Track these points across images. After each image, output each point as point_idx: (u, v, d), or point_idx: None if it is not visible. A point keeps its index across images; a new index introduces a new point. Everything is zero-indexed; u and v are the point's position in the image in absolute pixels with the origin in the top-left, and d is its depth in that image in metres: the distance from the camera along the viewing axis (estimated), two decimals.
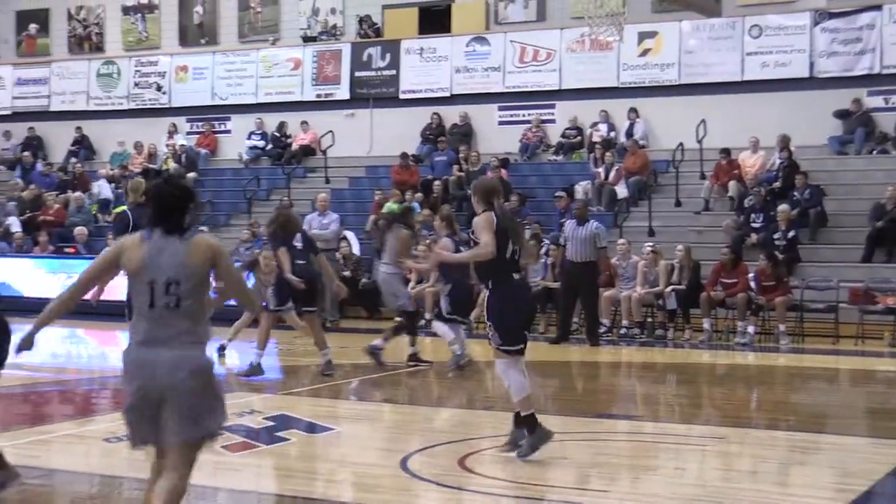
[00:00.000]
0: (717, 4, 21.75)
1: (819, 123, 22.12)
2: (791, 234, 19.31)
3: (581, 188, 22.74)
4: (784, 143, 21.39)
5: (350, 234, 22.16)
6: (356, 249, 21.76)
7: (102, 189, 26.35)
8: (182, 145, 27.57)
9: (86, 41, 30.64)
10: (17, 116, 30.26)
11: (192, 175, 26.83)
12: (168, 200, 5.49)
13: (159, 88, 28.83)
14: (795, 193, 20.46)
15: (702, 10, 21.77)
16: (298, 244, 13.52)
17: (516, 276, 8.47)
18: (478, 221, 8.31)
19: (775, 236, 19.28)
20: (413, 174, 24.06)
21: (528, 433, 8.26)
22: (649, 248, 18.65)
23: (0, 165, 29.60)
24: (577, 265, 17.23)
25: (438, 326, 13.84)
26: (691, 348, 17.34)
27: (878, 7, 22.20)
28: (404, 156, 24.21)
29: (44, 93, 30.14)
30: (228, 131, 28.31)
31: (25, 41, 31.33)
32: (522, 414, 8.28)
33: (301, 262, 13.35)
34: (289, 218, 13.83)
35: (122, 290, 9.33)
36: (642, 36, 23.87)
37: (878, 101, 22.23)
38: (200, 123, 28.38)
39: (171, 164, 26.88)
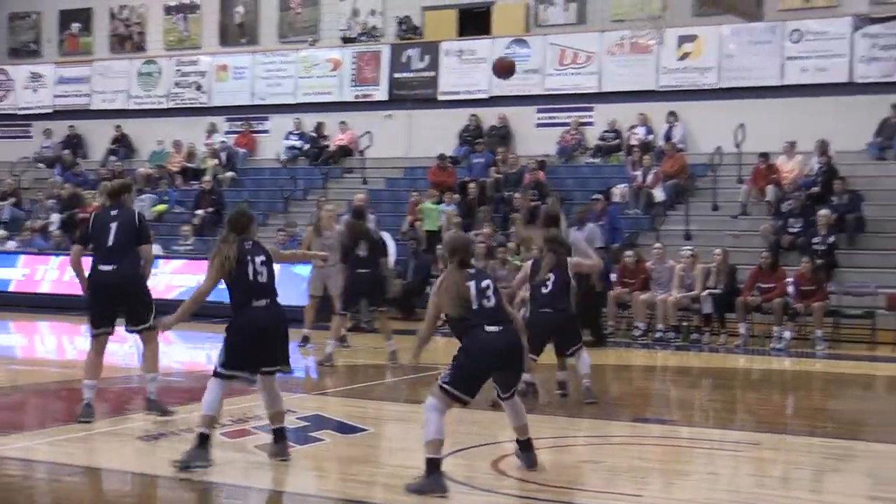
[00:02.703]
0: (759, 9, 21.66)
1: (858, 129, 22.00)
2: (831, 239, 19.18)
3: (618, 191, 22.72)
4: (823, 148, 21.26)
5: (387, 235, 22.16)
6: (392, 250, 21.77)
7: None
8: (222, 142, 27.74)
9: (127, 40, 30.90)
10: (58, 115, 30.53)
11: (230, 174, 27.00)
12: None
13: (199, 88, 28.99)
14: (834, 198, 20.33)
15: (743, 14, 21.66)
16: (362, 252, 14.54)
17: (493, 328, 7.82)
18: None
19: (815, 241, 19.16)
20: (450, 175, 24.07)
21: (426, 475, 7.57)
22: (688, 252, 18.58)
23: (40, 164, 29.84)
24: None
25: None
26: (727, 353, 17.27)
27: None
28: (442, 157, 24.23)
29: (84, 91, 30.39)
30: (267, 131, 28.45)
31: (68, 40, 31.63)
32: (428, 456, 7.59)
33: (364, 270, 14.54)
34: (348, 228, 14.97)
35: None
36: (682, 39, 23.85)
37: None
38: (239, 123, 28.53)
39: (210, 163, 27.04)
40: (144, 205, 26.13)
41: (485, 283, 7.93)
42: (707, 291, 18.08)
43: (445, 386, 7.75)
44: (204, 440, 8.12)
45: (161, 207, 26.07)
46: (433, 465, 7.60)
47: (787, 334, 17.50)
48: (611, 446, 9.42)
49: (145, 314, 10.05)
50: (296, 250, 9.82)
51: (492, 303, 7.90)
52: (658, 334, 18.19)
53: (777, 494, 7.97)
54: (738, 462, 9.18)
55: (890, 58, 22.21)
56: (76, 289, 10.49)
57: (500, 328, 7.87)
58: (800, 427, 11.29)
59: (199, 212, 24.77)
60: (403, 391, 13.05)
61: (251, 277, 8.24)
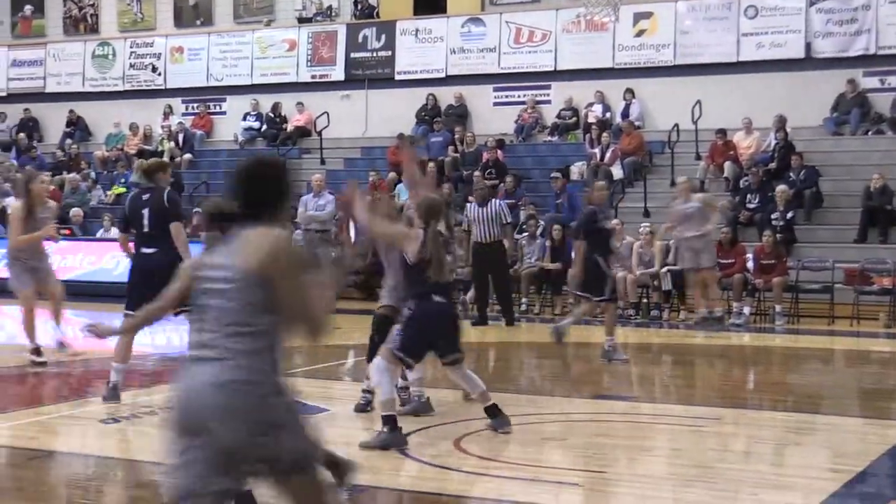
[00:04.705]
0: None
1: (815, 104, 22.12)
2: (789, 214, 19.30)
3: (577, 169, 22.76)
4: (780, 123, 21.39)
5: None
6: (352, 230, 21.69)
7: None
8: (180, 123, 27.55)
9: (81, 22, 30.57)
10: (12, 98, 30.19)
11: (187, 156, 26.82)
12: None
13: (154, 70, 28.76)
14: (791, 174, 20.46)
15: None
16: None
17: (440, 297, 8.50)
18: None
19: (773, 216, 19.27)
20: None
21: (388, 431, 8.34)
22: (646, 229, 18.64)
23: None
24: (484, 246, 17.06)
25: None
26: (687, 329, 17.35)
27: None
28: (401, 136, 24.17)
29: (39, 74, 30.06)
30: (224, 112, 28.27)
31: (20, 22, 31.25)
32: (384, 413, 8.40)
33: None
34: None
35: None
36: (638, 16, 23.86)
37: (873, 82, 22.22)
38: (196, 104, 28.34)
39: (167, 146, 26.86)
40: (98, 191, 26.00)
41: (448, 257, 8.54)
42: (666, 268, 18.16)
43: (396, 352, 8.40)
44: (390, 421, 8.28)
45: (118, 190, 25.87)
46: (392, 421, 8.27)
47: (746, 310, 17.61)
48: (573, 423, 9.45)
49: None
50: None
51: (446, 278, 8.45)
52: (618, 311, 18.23)
53: (739, 468, 8.03)
54: (700, 437, 9.24)
55: (845, 33, 22.32)
56: None
57: (445, 300, 8.49)
58: (760, 401, 11.40)
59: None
60: (365, 371, 13.01)
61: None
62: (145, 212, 9.96)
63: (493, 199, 17.55)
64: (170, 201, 10.12)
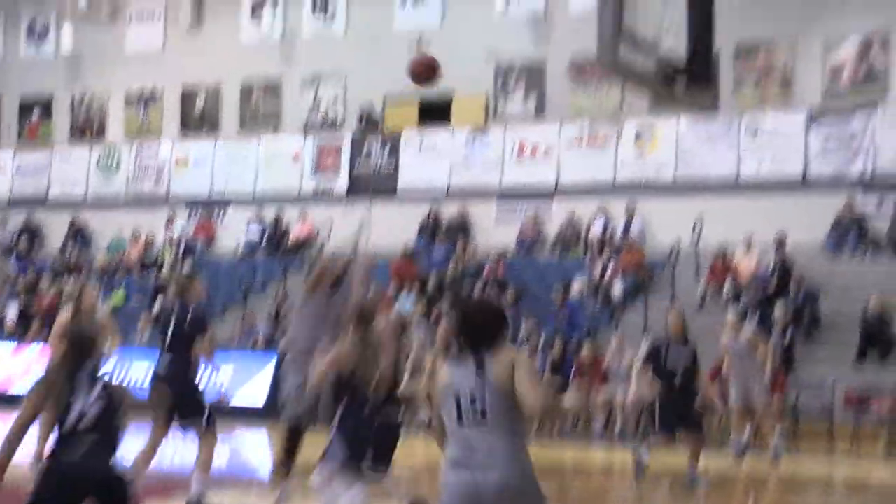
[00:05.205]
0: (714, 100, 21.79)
1: (814, 224, 22.12)
2: (788, 334, 19.27)
3: (577, 285, 22.76)
4: (779, 243, 21.45)
5: None
6: None
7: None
8: (181, 234, 27.54)
9: (87, 130, 30.57)
10: (15, 203, 30.18)
11: (188, 265, 26.80)
12: None
13: (159, 178, 28.81)
14: (790, 294, 20.46)
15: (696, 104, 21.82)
16: None
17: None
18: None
19: (772, 336, 19.23)
20: (412, 267, 23.91)
21: None
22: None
23: None
24: None
25: None
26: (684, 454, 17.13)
27: (874, 106, 22.34)
28: (405, 250, 24.10)
29: (43, 181, 30.05)
30: (226, 221, 28.18)
31: (28, 127, 31.27)
32: None
33: None
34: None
35: None
36: (639, 133, 24.02)
37: (871, 204, 22.26)
38: (198, 213, 28.32)
39: (168, 255, 26.86)
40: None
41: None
42: None
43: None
44: None
45: (119, 296, 25.85)
46: None
47: (746, 428, 17.41)
48: None
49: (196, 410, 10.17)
50: None
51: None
52: (618, 429, 18.13)
53: None
54: None
55: (844, 153, 22.38)
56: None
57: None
58: None
59: (157, 304, 24.42)
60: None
61: None
62: (171, 322, 10.28)
63: None
64: (192, 316, 10.41)
